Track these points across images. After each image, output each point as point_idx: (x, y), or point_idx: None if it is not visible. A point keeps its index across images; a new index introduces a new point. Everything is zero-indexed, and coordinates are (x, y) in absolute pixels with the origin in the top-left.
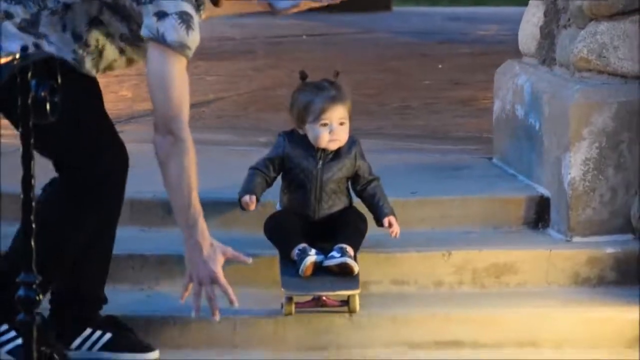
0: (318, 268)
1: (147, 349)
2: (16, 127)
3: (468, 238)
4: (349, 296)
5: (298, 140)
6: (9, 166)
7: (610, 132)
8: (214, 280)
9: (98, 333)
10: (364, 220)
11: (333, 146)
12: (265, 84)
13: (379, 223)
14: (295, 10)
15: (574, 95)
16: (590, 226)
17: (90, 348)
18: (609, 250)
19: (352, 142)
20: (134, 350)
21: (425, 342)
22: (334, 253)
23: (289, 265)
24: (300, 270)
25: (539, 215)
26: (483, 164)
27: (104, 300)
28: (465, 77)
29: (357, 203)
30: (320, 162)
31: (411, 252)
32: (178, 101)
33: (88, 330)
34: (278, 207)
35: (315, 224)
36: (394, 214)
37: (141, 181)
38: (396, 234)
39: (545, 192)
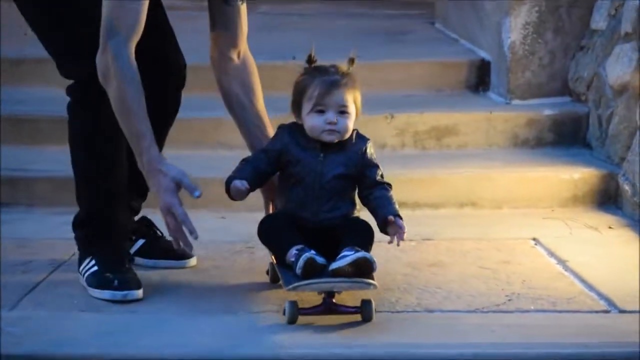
0: (322, 272)
1: (184, 256)
2: None
3: (410, 101)
4: (363, 301)
5: (299, 132)
6: None
7: None
8: (169, 210)
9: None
10: (371, 229)
11: (329, 138)
12: None
13: (383, 223)
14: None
15: None
16: (529, 89)
17: None
18: (547, 112)
19: (362, 139)
20: (169, 257)
21: None
22: (345, 252)
23: (288, 270)
24: (297, 267)
25: (480, 79)
26: (426, 28)
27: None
28: None
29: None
30: (322, 155)
31: None
32: (117, 12)
33: None
34: None
35: (314, 232)
36: (400, 217)
37: None
38: (398, 240)
39: (486, 55)
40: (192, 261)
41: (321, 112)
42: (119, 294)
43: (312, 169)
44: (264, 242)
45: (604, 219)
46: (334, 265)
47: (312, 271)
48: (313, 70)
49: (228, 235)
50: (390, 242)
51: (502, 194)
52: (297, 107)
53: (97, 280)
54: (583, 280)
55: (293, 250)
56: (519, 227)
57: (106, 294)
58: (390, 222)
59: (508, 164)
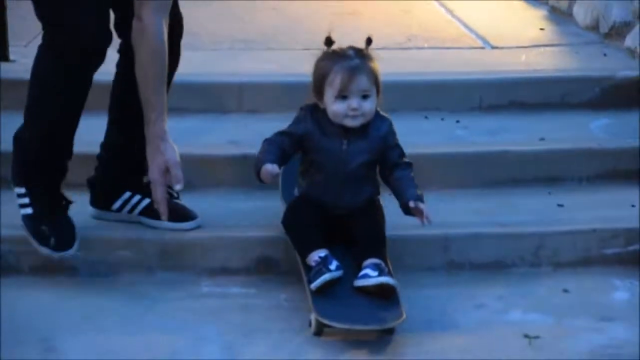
0: (343, 285)
1: (186, 217)
2: None
3: None
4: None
5: (322, 116)
6: None
7: None
8: (154, 184)
9: (137, 197)
10: (384, 219)
11: (353, 123)
12: None
13: (405, 207)
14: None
15: None
16: None
17: (130, 211)
18: None
19: (383, 121)
20: (172, 219)
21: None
22: (368, 271)
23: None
24: (313, 285)
25: None
26: None
27: (143, 164)
28: None
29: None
30: (345, 143)
31: None
32: None
33: (127, 194)
34: (296, 192)
35: (336, 217)
36: (422, 200)
37: None
38: (424, 221)
39: None
40: (193, 223)
41: (344, 97)
42: (56, 255)
43: (335, 157)
44: (288, 234)
45: None
46: (359, 283)
47: (329, 288)
48: (332, 54)
49: None
50: (422, 224)
51: None
52: (318, 91)
53: (33, 230)
54: (466, 25)
55: (315, 257)
56: None
57: (44, 250)
58: (412, 208)
59: None
